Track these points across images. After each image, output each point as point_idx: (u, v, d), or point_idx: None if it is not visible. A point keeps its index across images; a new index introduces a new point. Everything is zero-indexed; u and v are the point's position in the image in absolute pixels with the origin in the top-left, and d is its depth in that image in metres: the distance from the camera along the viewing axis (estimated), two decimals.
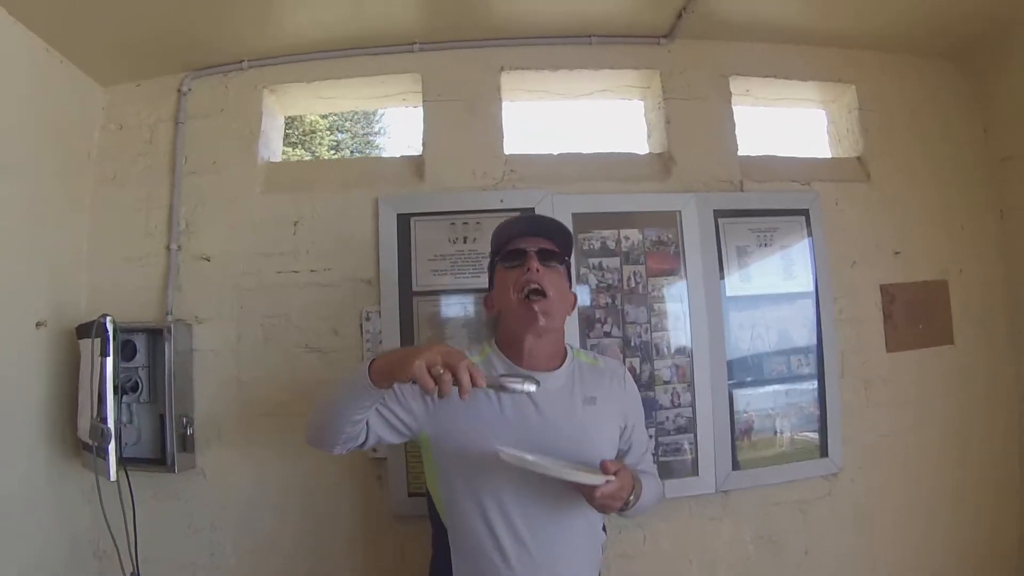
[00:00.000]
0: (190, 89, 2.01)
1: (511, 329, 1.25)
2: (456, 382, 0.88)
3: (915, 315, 2.23)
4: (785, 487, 2.04)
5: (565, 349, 1.31)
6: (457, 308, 1.83)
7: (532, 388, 0.99)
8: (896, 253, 2.20)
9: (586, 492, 1.06)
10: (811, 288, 2.06)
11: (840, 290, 2.11)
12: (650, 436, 1.87)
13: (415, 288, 1.83)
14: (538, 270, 1.20)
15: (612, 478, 1.06)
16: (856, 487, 2.10)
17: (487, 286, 1.38)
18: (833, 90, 2.31)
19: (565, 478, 1.04)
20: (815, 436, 2.03)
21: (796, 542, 2.05)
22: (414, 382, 0.89)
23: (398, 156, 2.02)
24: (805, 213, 2.08)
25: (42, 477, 1.76)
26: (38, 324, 1.78)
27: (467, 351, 1.12)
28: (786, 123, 2.38)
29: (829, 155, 2.32)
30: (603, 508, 1.10)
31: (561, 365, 1.27)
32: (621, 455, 1.29)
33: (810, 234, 2.08)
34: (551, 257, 1.24)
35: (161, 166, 1.99)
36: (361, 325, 1.84)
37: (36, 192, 1.77)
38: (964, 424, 2.20)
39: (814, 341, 2.04)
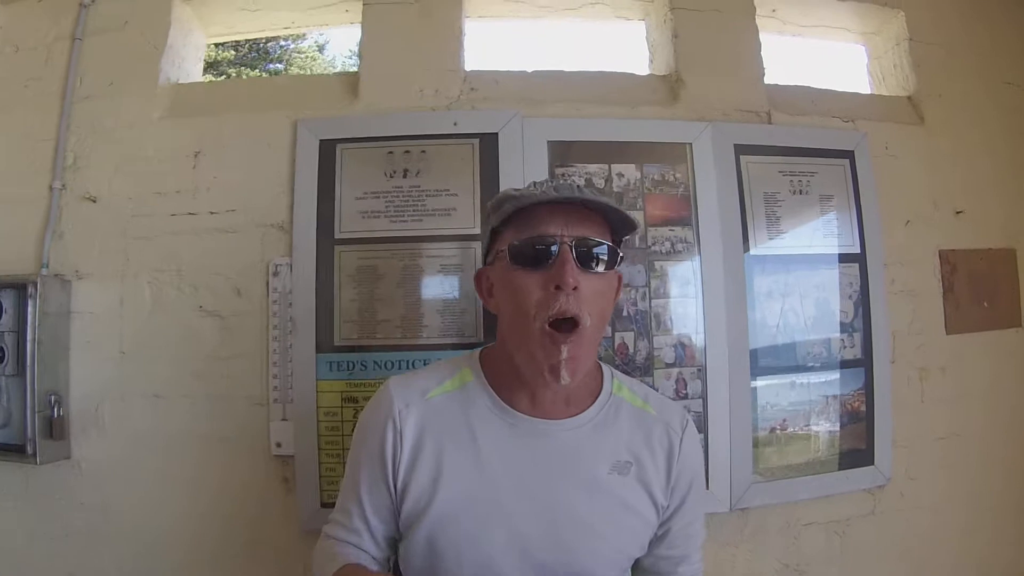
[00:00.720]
0: (93, 0, 1.37)
1: (515, 361, 0.66)
2: None
3: (980, 290, 1.49)
4: (819, 504, 1.32)
5: (600, 380, 0.73)
6: (392, 262, 1.15)
7: None
8: (958, 213, 1.47)
9: None
10: (857, 250, 1.34)
11: (892, 255, 1.39)
12: None
13: (338, 235, 1.16)
14: (575, 287, 0.61)
15: None
16: (906, 503, 1.38)
17: (483, 255, 0.74)
18: (877, 17, 1.58)
19: None
20: (858, 439, 1.32)
21: (829, 573, 1.34)
22: None
23: (329, 72, 1.33)
24: (849, 156, 1.36)
25: None
26: None
27: (424, 375, 0.71)
28: (818, 56, 1.65)
29: (885, 94, 1.59)
30: None
31: (590, 407, 0.70)
32: (653, 542, 0.72)
33: (855, 183, 1.36)
34: (593, 258, 0.64)
35: (53, 91, 1.35)
36: (267, 282, 1.18)
37: None
38: None
39: (860, 317, 1.32)
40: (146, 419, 1.22)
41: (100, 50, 1.35)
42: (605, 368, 0.73)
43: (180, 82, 1.35)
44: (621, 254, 0.65)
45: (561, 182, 0.65)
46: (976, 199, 1.49)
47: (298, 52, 5.72)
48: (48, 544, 1.24)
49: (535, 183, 0.66)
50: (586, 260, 0.61)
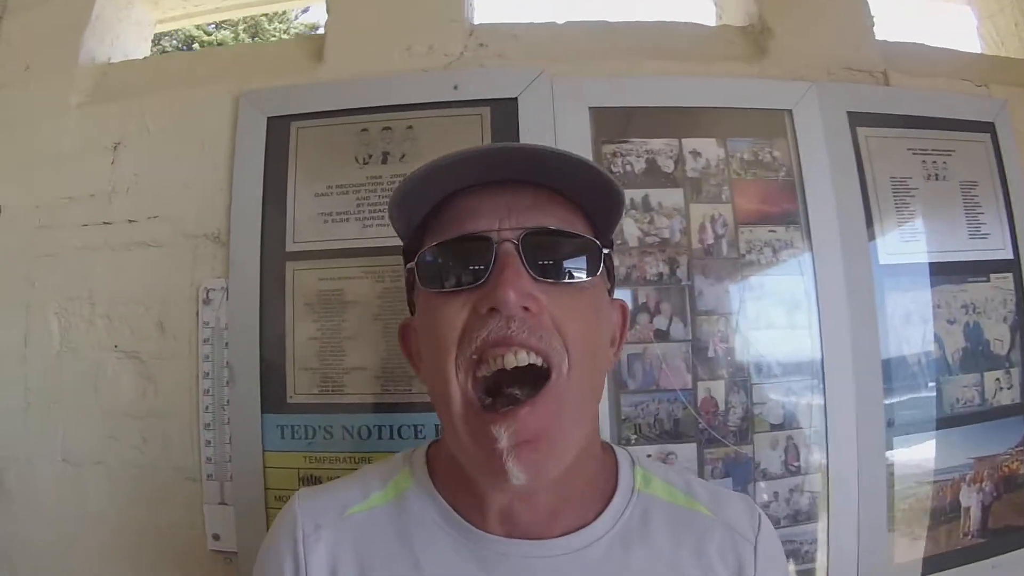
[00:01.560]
0: None
1: (460, 461, 0.31)
2: None
3: None
4: None
5: (614, 470, 0.35)
6: (366, 284, 0.64)
7: None
8: None
9: None
10: (1009, 255, 0.79)
11: None
12: None
13: (291, 246, 0.66)
14: (527, 307, 0.28)
15: None
16: None
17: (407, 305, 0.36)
18: None
19: None
20: (1017, 511, 0.76)
21: None
22: None
23: (284, 39, 0.83)
24: (989, 129, 0.81)
25: None
26: None
27: (344, 488, 0.37)
28: (921, 17, 1.09)
29: (1013, 56, 1.02)
30: None
31: (600, 515, 0.32)
32: None
33: (1000, 165, 0.80)
34: (557, 258, 0.29)
35: None
36: (198, 312, 0.68)
37: None
38: None
39: (1018, 348, 0.77)
40: (55, 491, 0.74)
41: (18, 30, 0.88)
42: (619, 451, 0.38)
43: (111, 62, 0.86)
44: (607, 250, 0.32)
45: (500, 146, 0.31)
46: None
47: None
48: None
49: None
50: (546, 265, 0.30)
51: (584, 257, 0.31)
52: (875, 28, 0.83)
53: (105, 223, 0.74)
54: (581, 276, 0.30)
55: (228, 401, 0.66)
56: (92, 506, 0.73)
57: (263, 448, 0.64)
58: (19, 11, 0.89)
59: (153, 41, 0.95)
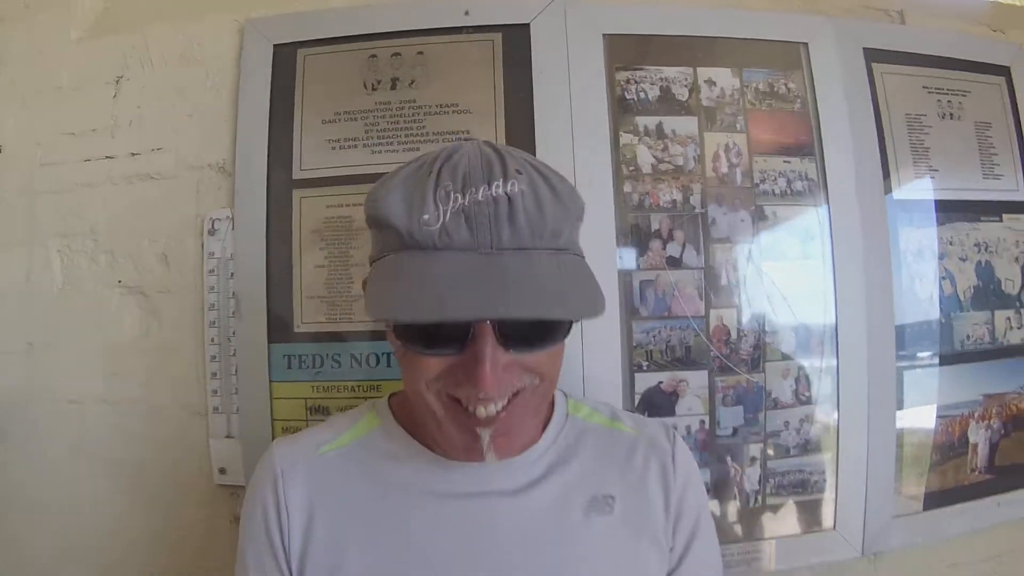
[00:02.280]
0: None
1: (425, 424, 0.35)
2: None
3: None
4: (974, 539, 0.77)
5: (550, 403, 0.41)
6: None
7: None
8: None
9: None
10: (1021, 196, 0.78)
11: None
12: (753, 460, 0.64)
13: (298, 174, 0.64)
14: (494, 379, 0.29)
15: None
16: None
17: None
18: None
19: None
20: (1022, 450, 0.76)
21: None
22: None
23: None
24: (1006, 74, 0.80)
25: None
26: None
27: (318, 430, 0.41)
28: None
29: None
30: None
31: (538, 439, 0.38)
32: None
33: (1015, 108, 0.80)
34: (531, 337, 0.30)
35: None
36: (203, 243, 0.67)
37: None
38: None
39: None
40: (56, 432, 0.73)
41: None
42: (558, 392, 0.41)
43: None
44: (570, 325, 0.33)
45: (477, 203, 0.29)
46: None
47: None
48: None
49: (435, 192, 0.29)
50: (516, 340, 0.30)
51: (555, 334, 0.32)
52: None
53: (107, 157, 0.72)
54: (551, 346, 0.32)
55: (234, 333, 0.65)
56: (95, 447, 0.72)
57: (270, 379, 0.64)
58: None
59: None
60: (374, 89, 0.65)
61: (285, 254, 0.64)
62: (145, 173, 0.71)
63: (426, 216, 0.28)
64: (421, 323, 0.29)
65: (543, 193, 0.29)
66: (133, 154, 0.72)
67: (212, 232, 0.66)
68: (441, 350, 0.30)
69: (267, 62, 0.67)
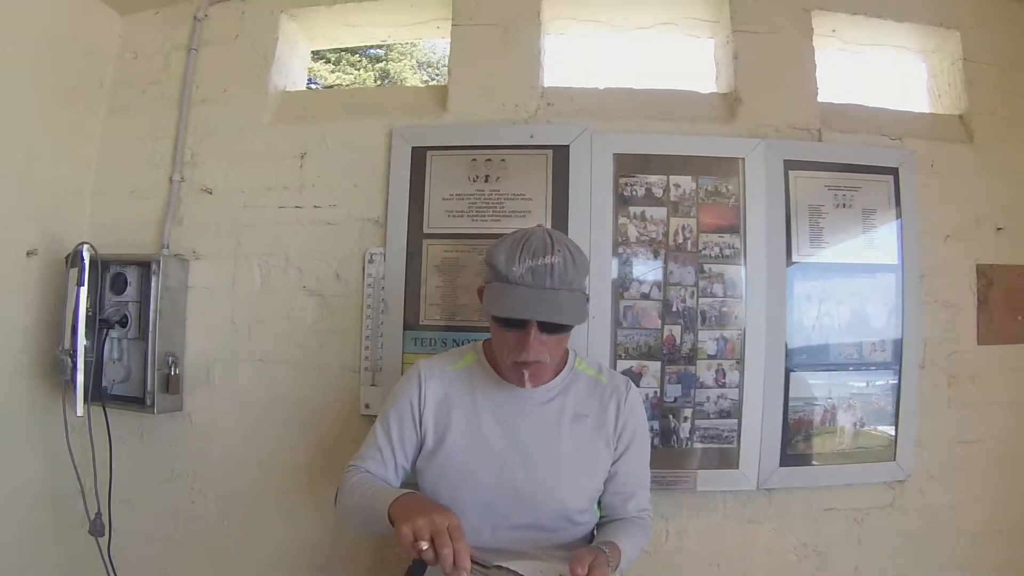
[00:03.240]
0: (206, 15, 1.66)
1: (499, 364, 1.01)
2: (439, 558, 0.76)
3: (1016, 304, 1.67)
4: (842, 492, 1.56)
5: (567, 359, 1.06)
6: (472, 256, 1.42)
7: None
8: (999, 229, 1.65)
9: None
10: (896, 261, 1.54)
11: (930, 267, 1.59)
12: (686, 419, 1.42)
13: (426, 230, 1.44)
14: (535, 347, 0.92)
15: None
16: (925, 500, 1.59)
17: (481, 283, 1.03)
18: (935, 36, 1.74)
19: None
20: (883, 436, 1.54)
21: (846, 557, 1.57)
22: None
23: (420, 85, 1.59)
24: (894, 173, 1.56)
25: (23, 409, 1.48)
26: (28, 253, 1.50)
27: (447, 358, 1.06)
28: (879, 72, 1.82)
29: (936, 112, 1.75)
30: None
31: (555, 377, 1.03)
32: (607, 480, 1.04)
33: (898, 198, 1.55)
34: (556, 329, 0.93)
35: (172, 95, 1.66)
36: (363, 268, 1.47)
37: (39, 119, 1.51)
38: None
39: (894, 323, 1.53)
40: (251, 380, 1.54)
41: (214, 59, 1.65)
42: (571, 351, 1.06)
43: (287, 89, 1.63)
44: (574, 326, 0.95)
45: (538, 265, 0.90)
46: (1019, 216, 1.66)
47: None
48: (157, 484, 1.57)
49: (520, 257, 0.91)
50: (548, 330, 0.92)
51: (564, 330, 0.93)
52: (817, 96, 1.57)
53: (296, 207, 1.52)
54: (561, 334, 0.93)
55: (382, 323, 1.44)
56: (278, 389, 1.52)
57: (402, 351, 1.43)
58: (211, 45, 1.66)
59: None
60: (474, 181, 1.43)
61: (417, 278, 1.43)
62: (324, 220, 1.50)
63: (514, 268, 0.89)
64: (507, 317, 0.89)
65: (569, 263, 0.89)
66: (315, 207, 1.51)
67: (371, 261, 1.45)
68: (514, 330, 0.91)
69: (407, 156, 1.46)
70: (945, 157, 1.64)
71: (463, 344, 1.13)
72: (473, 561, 0.77)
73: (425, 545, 0.76)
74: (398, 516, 0.81)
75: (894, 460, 1.54)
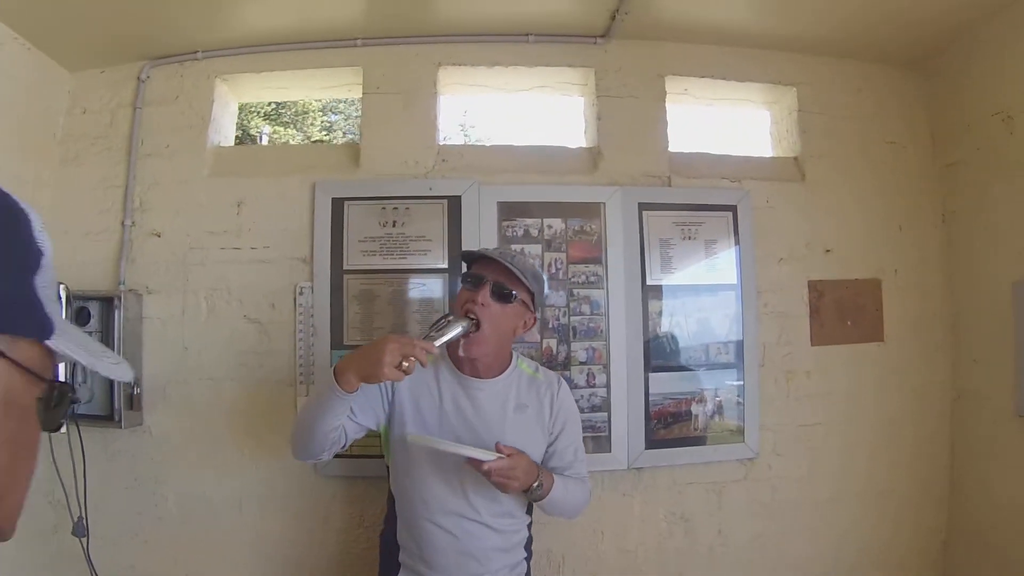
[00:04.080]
0: (148, 77, 2.33)
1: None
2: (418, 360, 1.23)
3: (844, 311, 2.50)
4: (700, 469, 2.33)
5: (510, 358, 1.56)
6: (384, 288, 2.15)
7: (459, 328, 1.37)
8: (827, 251, 2.47)
9: (481, 469, 1.30)
10: (735, 281, 2.35)
11: (766, 284, 2.39)
12: None
13: (346, 267, 2.15)
14: (483, 303, 1.39)
15: (503, 456, 1.31)
16: (773, 474, 2.37)
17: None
18: (775, 91, 2.57)
19: (460, 453, 1.31)
20: (732, 422, 2.33)
21: (709, 522, 2.32)
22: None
23: (337, 144, 2.34)
24: (733, 209, 2.37)
25: None
26: None
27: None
28: (728, 122, 2.66)
29: (769, 155, 2.59)
30: (499, 486, 1.33)
31: (502, 374, 1.53)
32: (546, 459, 1.55)
33: (736, 230, 2.37)
34: (505, 297, 1.42)
35: (120, 148, 2.30)
36: (295, 299, 2.18)
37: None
38: (892, 422, 2.43)
39: (736, 331, 2.34)
40: (202, 396, 2.22)
41: (156, 117, 2.32)
42: (515, 354, 1.57)
43: (221, 145, 2.34)
44: (515, 293, 1.42)
45: (503, 249, 1.57)
46: (845, 241, 2.50)
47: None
48: (123, 490, 2.24)
49: (487, 248, 1.50)
50: (496, 293, 1.40)
51: (506, 294, 1.42)
52: (668, 148, 2.38)
53: (236, 248, 2.23)
54: (507, 302, 1.44)
55: (312, 344, 2.16)
56: (226, 404, 2.23)
57: (331, 366, 2.16)
58: (154, 104, 2.35)
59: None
60: (384, 226, 2.18)
61: (340, 306, 2.14)
62: (259, 259, 2.21)
63: (485, 248, 1.48)
64: (477, 254, 1.49)
65: (527, 259, 1.58)
66: (252, 248, 2.22)
67: (301, 293, 2.18)
68: (471, 287, 1.42)
69: (328, 205, 2.19)
70: (780, 194, 2.47)
71: None
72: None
73: (407, 364, 1.20)
74: (359, 366, 1.24)
75: (743, 442, 2.35)
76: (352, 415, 1.40)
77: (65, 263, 2.21)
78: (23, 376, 0.48)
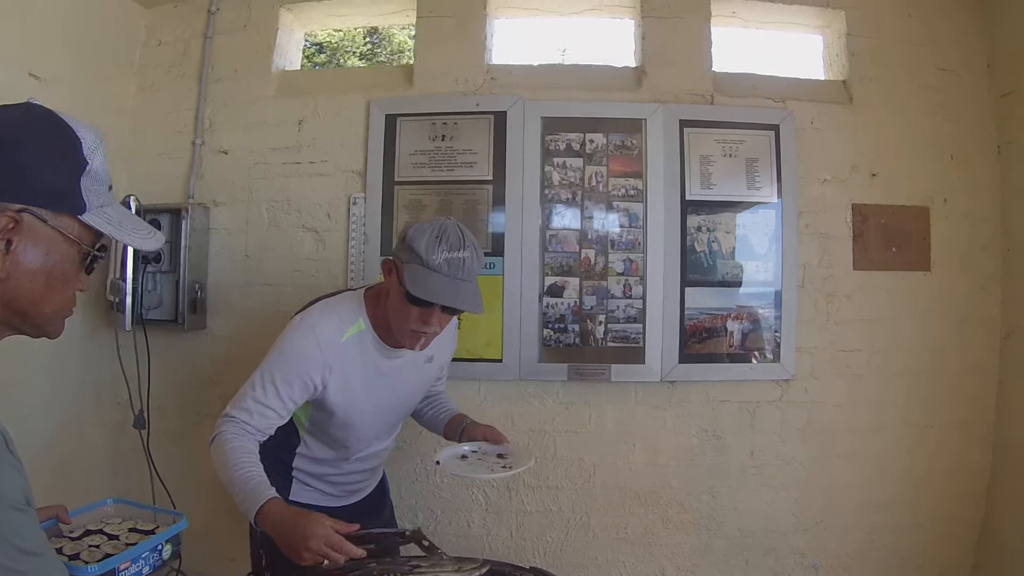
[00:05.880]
0: (218, 9, 2.47)
1: (392, 328, 1.41)
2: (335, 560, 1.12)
3: (889, 237, 2.44)
4: (734, 387, 2.33)
5: None
6: (432, 198, 2.24)
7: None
8: (873, 175, 2.42)
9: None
10: (775, 199, 2.33)
11: (808, 205, 2.36)
12: (600, 323, 2.23)
13: (397, 179, 2.25)
14: (437, 323, 1.37)
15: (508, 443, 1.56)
16: (809, 397, 2.35)
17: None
18: (825, 15, 2.51)
19: (504, 476, 1.59)
20: (769, 340, 2.32)
21: (742, 442, 2.34)
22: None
23: (392, 65, 2.42)
24: (775, 129, 2.34)
25: (80, 330, 2.31)
26: None
27: (338, 322, 1.41)
28: (775, 48, 2.61)
29: (814, 77, 2.54)
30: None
31: None
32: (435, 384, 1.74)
33: (779, 149, 2.34)
34: (454, 311, 1.39)
35: (192, 75, 2.47)
36: (349, 209, 2.29)
37: (82, 99, 2.24)
38: (935, 355, 2.37)
39: (775, 250, 2.31)
40: (261, 300, 2.36)
41: (225, 46, 2.47)
42: None
43: (286, 69, 2.46)
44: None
45: (454, 258, 1.30)
46: (892, 166, 2.43)
47: None
48: (179, 389, 2.40)
49: (438, 247, 1.30)
50: (449, 312, 1.36)
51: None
52: (711, 68, 2.36)
53: (296, 163, 2.35)
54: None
55: (364, 251, 2.27)
56: (282, 307, 2.35)
57: (380, 272, 2.26)
58: (223, 33, 2.48)
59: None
60: (433, 140, 2.25)
61: (390, 215, 2.25)
62: (317, 172, 2.33)
63: (434, 257, 1.28)
64: (427, 300, 1.29)
65: (474, 258, 1.33)
66: (311, 162, 2.34)
67: (354, 203, 2.28)
68: (420, 307, 1.31)
69: (382, 122, 2.28)
70: (825, 116, 2.42)
71: None
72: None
73: (327, 563, 1.09)
74: (281, 535, 1.14)
75: (779, 362, 2.33)
76: (284, 409, 1.40)
77: (141, 179, 2.39)
78: (62, 237, 0.71)
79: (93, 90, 2.32)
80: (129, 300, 2.27)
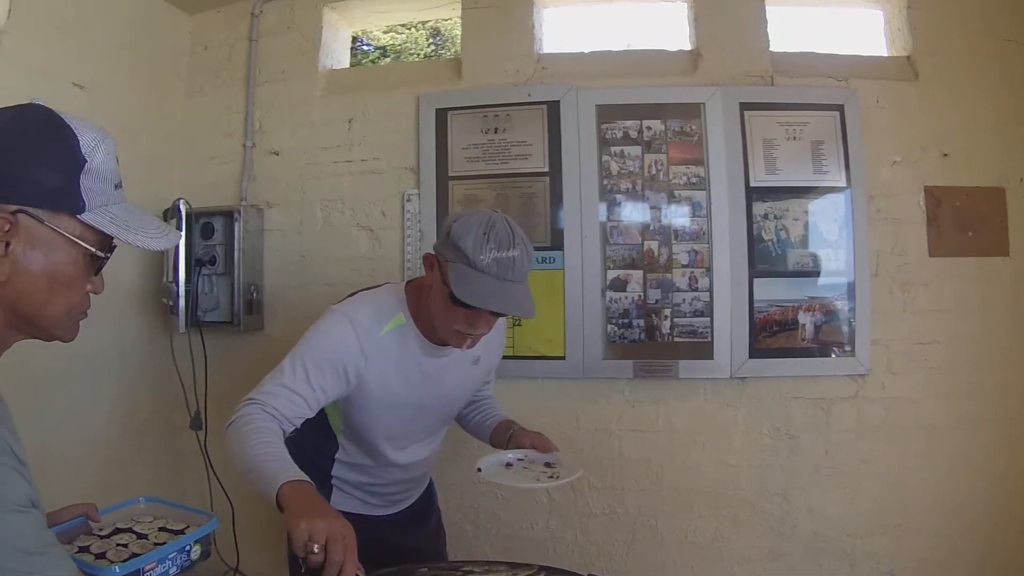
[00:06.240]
0: (261, 11, 2.47)
1: (435, 326, 1.31)
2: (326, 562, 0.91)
3: (964, 221, 2.29)
4: (807, 382, 2.21)
5: None
6: (487, 192, 2.18)
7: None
8: (944, 155, 2.28)
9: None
10: (843, 183, 2.21)
11: (878, 189, 2.23)
12: (666, 317, 2.14)
13: (450, 173, 2.19)
14: (485, 327, 1.28)
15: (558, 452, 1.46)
16: (886, 393, 2.20)
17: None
18: None
19: (551, 486, 1.49)
20: (843, 333, 2.19)
21: (816, 441, 2.20)
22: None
23: (439, 59, 2.38)
24: (840, 109, 2.22)
25: (133, 337, 2.30)
26: None
27: (376, 314, 1.32)
28: (835, 24, 2.50)
29: (876, 54, 2.42)
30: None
31: None
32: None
33: (844, 130, 2.22)
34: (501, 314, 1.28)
35: (239, 78, 2.47)
36: (403, 206, 2.24)
37: (129, 107, 2.26)
38: (1017, 342, 2.22)
39: (845, 237, 2.19)
40: (318, 301, 2.30)
41: (271, 48, 2.46)
42: None
43: (333, 68, 2.43)
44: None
45: (503, 258, 1.17)
46: (965, 145, 2.29)
47: None
48: (236, 390, 2.33)
49: (487, 245, 1.17)
50: (496, 314, 1.24)
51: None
52: (769, 47, 2.26)
53: (347, 161, 2.31)
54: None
55: (420, 248, 2.21)
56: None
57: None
58: (267, 36, 2.47)
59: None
60: (485, 132, 2.19)
61: (444, 211, 2.19)
62: (369, 170, 2.29)
63: (481, 257, 1.15)
64: (474, 305, 1.17)
65: (525, 258, 1.20)
66: (363, 160, 2.30)
67: (408, 200, 2.23)
68: (469, 311, 1.19)
69: (432, 117, 2.23)
70: (890, 94, 2.29)
71: None
72: None
73: (317, 548, 0.88)
74: (292, 509, 0.95)
75: (854, 356, 2.20)
76: (315, 399, 1.28)
77: (193, 184, 2.39)
78: (62, 238, 0.68)
79: (141, 97, 2.33)
80: (182, 303, 2.25)
